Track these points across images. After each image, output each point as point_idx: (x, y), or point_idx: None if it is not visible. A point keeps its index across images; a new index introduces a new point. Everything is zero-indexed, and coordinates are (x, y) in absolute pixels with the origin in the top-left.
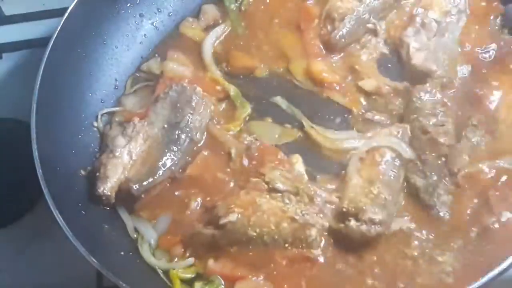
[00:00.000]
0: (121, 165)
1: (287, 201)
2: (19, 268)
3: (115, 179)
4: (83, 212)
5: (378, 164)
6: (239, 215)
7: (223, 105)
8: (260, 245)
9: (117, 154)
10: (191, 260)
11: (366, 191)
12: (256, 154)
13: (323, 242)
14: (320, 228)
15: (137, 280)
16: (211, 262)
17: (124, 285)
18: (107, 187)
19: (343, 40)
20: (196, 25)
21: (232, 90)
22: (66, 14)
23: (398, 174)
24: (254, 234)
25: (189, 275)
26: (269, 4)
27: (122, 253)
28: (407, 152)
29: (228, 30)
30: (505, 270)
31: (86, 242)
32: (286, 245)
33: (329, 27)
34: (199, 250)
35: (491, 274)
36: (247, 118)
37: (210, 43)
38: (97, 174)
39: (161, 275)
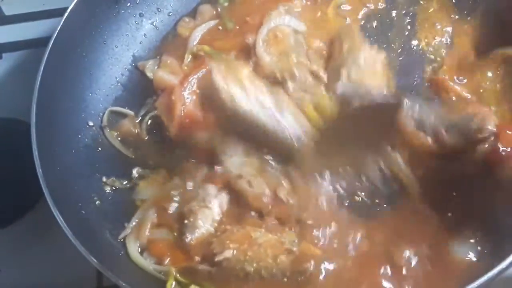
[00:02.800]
0: (210, 217)
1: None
2: (19, 268)
3: (204, 230)
4: (83, 212)
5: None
6: (235, 251)
7: None
8: (258, 280)
9: (209, 205)
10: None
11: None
12: None
13: (322, 275)
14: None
15: (137, 280)
16: None
17: (124, 284)
18: (194, 237)
19: None
20: (193, 25)
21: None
22: (66, 14)
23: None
24: (251, 269)
25: (185, 280)
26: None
27: (122, 252)
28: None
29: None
30: (505, 269)
31: (86, 242)
32: (285, 279)
33: None
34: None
35: (491, 273)
36: None
37: (196, 35)
38: (186, 221)
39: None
